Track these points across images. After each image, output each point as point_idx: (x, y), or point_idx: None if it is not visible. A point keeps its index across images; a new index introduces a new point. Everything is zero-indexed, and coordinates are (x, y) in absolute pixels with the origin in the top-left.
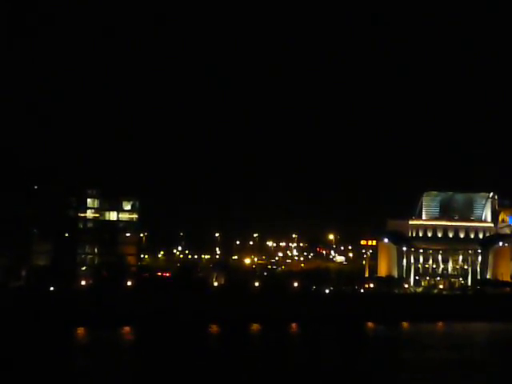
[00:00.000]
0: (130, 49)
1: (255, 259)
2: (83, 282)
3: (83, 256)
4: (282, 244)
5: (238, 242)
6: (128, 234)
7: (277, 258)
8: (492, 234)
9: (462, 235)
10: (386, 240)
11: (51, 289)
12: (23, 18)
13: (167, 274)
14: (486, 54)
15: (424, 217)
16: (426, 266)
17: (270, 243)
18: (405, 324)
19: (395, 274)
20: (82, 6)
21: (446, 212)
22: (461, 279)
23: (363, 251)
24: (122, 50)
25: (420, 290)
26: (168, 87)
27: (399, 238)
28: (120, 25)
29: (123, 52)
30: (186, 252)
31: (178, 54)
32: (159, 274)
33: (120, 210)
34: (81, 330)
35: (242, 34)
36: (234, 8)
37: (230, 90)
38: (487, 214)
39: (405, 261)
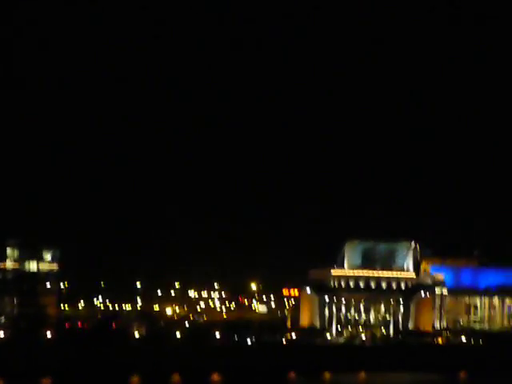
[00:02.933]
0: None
1: (177, 309)
2: (1, 334)
3: (2, 307)
4: (204, 294)
5: (159, 292)
6: (48, 285)
7: (199, 308)
8: (414, 283)
9: (384, 285)
10: (308, 290)
11: None
12: None
13: (86, 325)
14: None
15: (346, 266)
16: (349, 316)
17: (191, 293)
18: (327, 374)
19: (317, 324)
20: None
21: (368, 261)
22: (383, 329)
23: (285, 301)
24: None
25: (342, 340)
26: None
27: (321, 288)
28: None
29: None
30: (107, 302)
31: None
32: (79, 324)
33: (40, 259)
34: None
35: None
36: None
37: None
38: (409, 263)
39: (327, 311)
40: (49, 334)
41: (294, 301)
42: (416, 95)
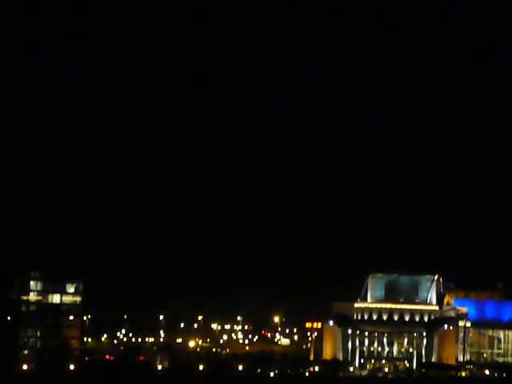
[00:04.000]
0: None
1: (200, 342)
2: (25, 366)
3: (25, 339)
4: (227, 326)
5: (182, 325)
6: (71, 317)
7: (221, 341)
8: (437, 316)
9: (407, 318)
10: (331, 323)
11: None
12: None
13: (111, 358)
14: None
15: (369, 299)
16: (372, 348)
17: (214, 326)
18: None
19: (340, 356)
20: None
21: (391, 294)
22: (406, 362)
23: (308, 334)
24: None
25: (365, 373)
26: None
27: (344, 321)
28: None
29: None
30: (130, 335)
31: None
32: (104, 356)
33: (63, 292)
34: None
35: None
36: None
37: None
38: (432, 296)
39: (350, 344)
40: (72, 367)
41: (317, 334)
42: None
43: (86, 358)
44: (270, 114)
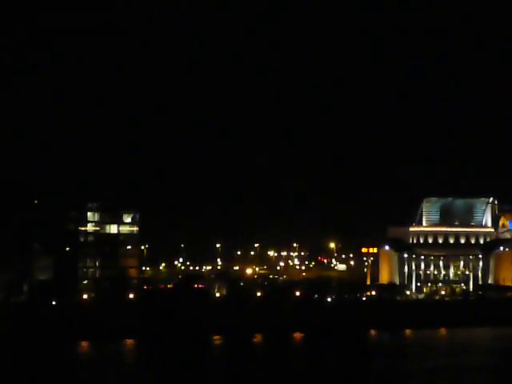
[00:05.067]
0: (125, 59)
1: (257, 269)
2: (85, 296)
3: (84, 270)
4: (283, 253)
5: (239, 253)
6: (129, 247)
7: (278, 268)
8: (493, 239)
9: (462, 241)
10: (387, 247)
11: (53, 303)
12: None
13: (169, 286)
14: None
15: (424, 223)
16: (428, 272)
17: (271, 253)
18: (408, 331)
19: (397, 281)
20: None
21: (446, 218)
22: (462, 285)
23: (364, 259)
24: (118, 60)
25: (422, 296)
26: (166, 98)
27: (400, 245)
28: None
29: (117, 63)
30: (188, 263)
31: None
32: (161, 286)
33: (120, 222)
34: (84, 344)
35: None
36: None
37: (225, 105)
38: (487, 219)
39: (406, 268)
40: (131, 296)
41: (373, 258)
42: None
43: (145, 287)
44: None
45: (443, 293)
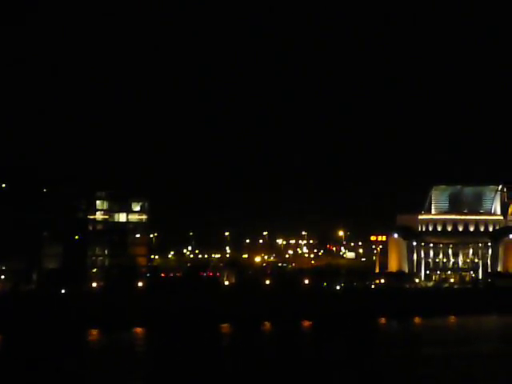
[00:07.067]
0: (135, 50)
1: (265, 257)
2: (94, 284)
3: (93, 258)
4: (292, 241)
5: (247, 241)
6: (138, 235)
7: (287, 256)
8: (502, 226)
9: (471, 228)
10: (395, 235)
11: (62, 291)
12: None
13: (178, 274)
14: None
15: (433, 211)
16: (437, 260)
17: (279, 241)
18: (417, 319)
19: (406, 268)
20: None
21: (455, 206)
22: (471, 273)
23: (373, 247)
24: (128, 49)
25: (431, 284)
26: (176, 89)
27: (409, 233)
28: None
29: (128, 52)
30: (196, 252)
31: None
32: (171, 274)
33: (129, 211)
34: (93, 332)
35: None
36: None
37: (231, 94)
38: (496, 206)
39: (415, 255)
40: (140, 284)
41: (382, 246)
42: None
43: (154, 276)
44: None
45: (452, 281)
